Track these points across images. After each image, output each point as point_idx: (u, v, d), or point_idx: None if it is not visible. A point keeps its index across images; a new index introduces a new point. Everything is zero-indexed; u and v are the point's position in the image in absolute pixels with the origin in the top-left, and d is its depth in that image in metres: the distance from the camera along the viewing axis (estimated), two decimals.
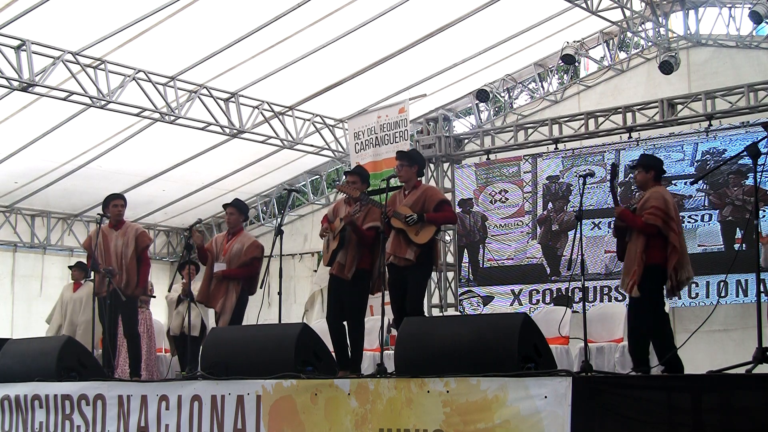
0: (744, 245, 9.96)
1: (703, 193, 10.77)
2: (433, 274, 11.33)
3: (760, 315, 5.05)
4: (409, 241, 7.00)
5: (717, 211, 10.56)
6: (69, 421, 6.78)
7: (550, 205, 11.81)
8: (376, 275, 7.40)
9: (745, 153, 5.30)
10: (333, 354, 7.21)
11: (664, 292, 6.83)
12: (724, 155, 10.56)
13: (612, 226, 7.16)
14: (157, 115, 11.55)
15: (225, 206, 8.50)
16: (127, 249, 8.29)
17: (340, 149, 13.73)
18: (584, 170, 6.75)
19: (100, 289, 8.17)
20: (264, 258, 8.09)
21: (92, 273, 8.40)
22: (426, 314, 8.60)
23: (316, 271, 14.28)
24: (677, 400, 4.39)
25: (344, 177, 7.76)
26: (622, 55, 13.46)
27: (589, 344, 7.04)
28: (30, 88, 10.22)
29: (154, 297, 10.24)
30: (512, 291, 11.87)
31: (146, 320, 10.25)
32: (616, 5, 11.12)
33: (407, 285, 7.04)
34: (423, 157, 7.74)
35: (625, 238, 6.90)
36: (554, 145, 11.98)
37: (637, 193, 7.13)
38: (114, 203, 8.42)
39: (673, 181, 10.96)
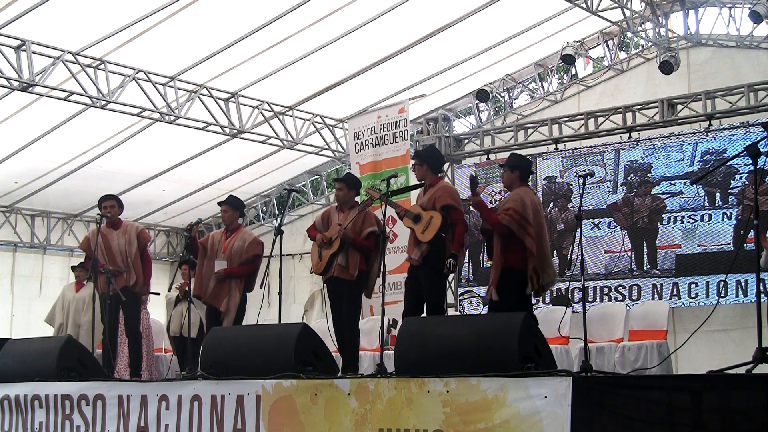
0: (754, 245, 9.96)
1: (704, 193, 10.78)
2: None
3: (760, 315, 5.05)
4: (418, 241, 7.05)
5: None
6: (69, 421, 6.78)
7: (551, 204, 11.82)
8: (373, 279, 7.48)
9: (745, 153, 5.28)
10: (339, 357, 7.28)
11: (531, 294, 6.73)
12: (724, 155, 10.56)
13: (481, 228, 7.10)
14: (157, 115, 11.55)
15: (220, 204, 8.51)
16: (131, 247, 8.30)
17: (340, 149, 13.73)
18: (584, 170, 6.73)
19: (105, 289, 8.16)
20: (265, 257, 8.09)
21: (93, 273, 8.40)
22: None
23: None
24: (677, 400, 4.39)
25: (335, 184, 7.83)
26: (622, 55, 13.46)
27: (589, 344, 7.05)
28: (30, 88, 10.21)
29: (157, 294, 10.24)
30: None
31: (144, 320, 10.24)
32: (616, 5, 11.12)
33: (421, 286, 7.08)
34: (436, 153, 7.58)
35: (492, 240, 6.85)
36: (554, 145, 11.98)
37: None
38: (104, 204, 8.43)
39: (673, 181, 10.98)
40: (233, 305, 7.99)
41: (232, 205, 8.35)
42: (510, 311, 6.41)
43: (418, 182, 7.46)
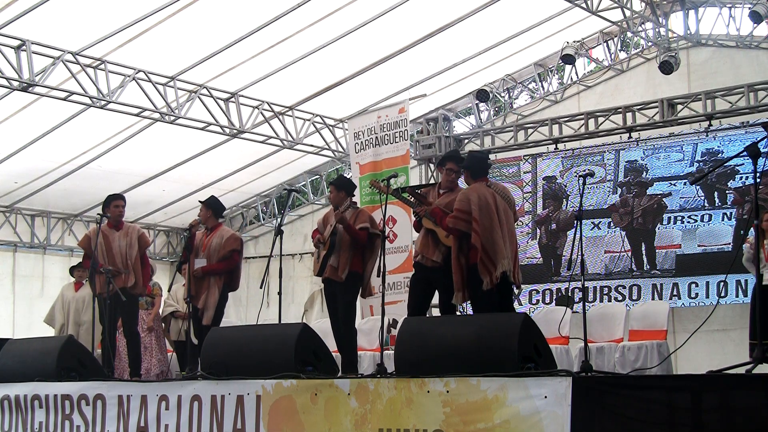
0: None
1: (703, 194, 10.77)
2: None
3: (760, 315, 5.05)
4: (437, 242, 6.97)
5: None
6: (69, 421, 6.78)
7: (549, 205, 11.83)
8: (367, 279, 7.46)
9: (745, 153, 5.28)
10: (339, 357, 7.27)
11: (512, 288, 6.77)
12: (723, 155, 10.56)
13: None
14: (157, 115, 11.54)
15: (201, 202, 8.51)
16: (132, 249, 8.32)
17: (340, 149, 13.73)
18: (584, 170, 6.71)
19: (103, 289, 8.15)
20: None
21: (92, 273, 8.38)
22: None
23: None
24: (677, 400, 4.39)
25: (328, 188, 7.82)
26: (622, 55, 13.47)
27: (589, 344, 7.04)
28: (30, 88, 10.21)
29: (154, 296, 10.20)
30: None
31: (158, 319, 10.18)
32: (616, 5, 11.12)
33: (432, 287, 7.06)
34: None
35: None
36: (554, 145, 11.98)
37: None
38: (115, 204, 8.44)
39: (673, 181, 10.97)
40: (212, 302, 7.97)
41: (208, 205, 8.35)
42: (492, 304, 6.50)
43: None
